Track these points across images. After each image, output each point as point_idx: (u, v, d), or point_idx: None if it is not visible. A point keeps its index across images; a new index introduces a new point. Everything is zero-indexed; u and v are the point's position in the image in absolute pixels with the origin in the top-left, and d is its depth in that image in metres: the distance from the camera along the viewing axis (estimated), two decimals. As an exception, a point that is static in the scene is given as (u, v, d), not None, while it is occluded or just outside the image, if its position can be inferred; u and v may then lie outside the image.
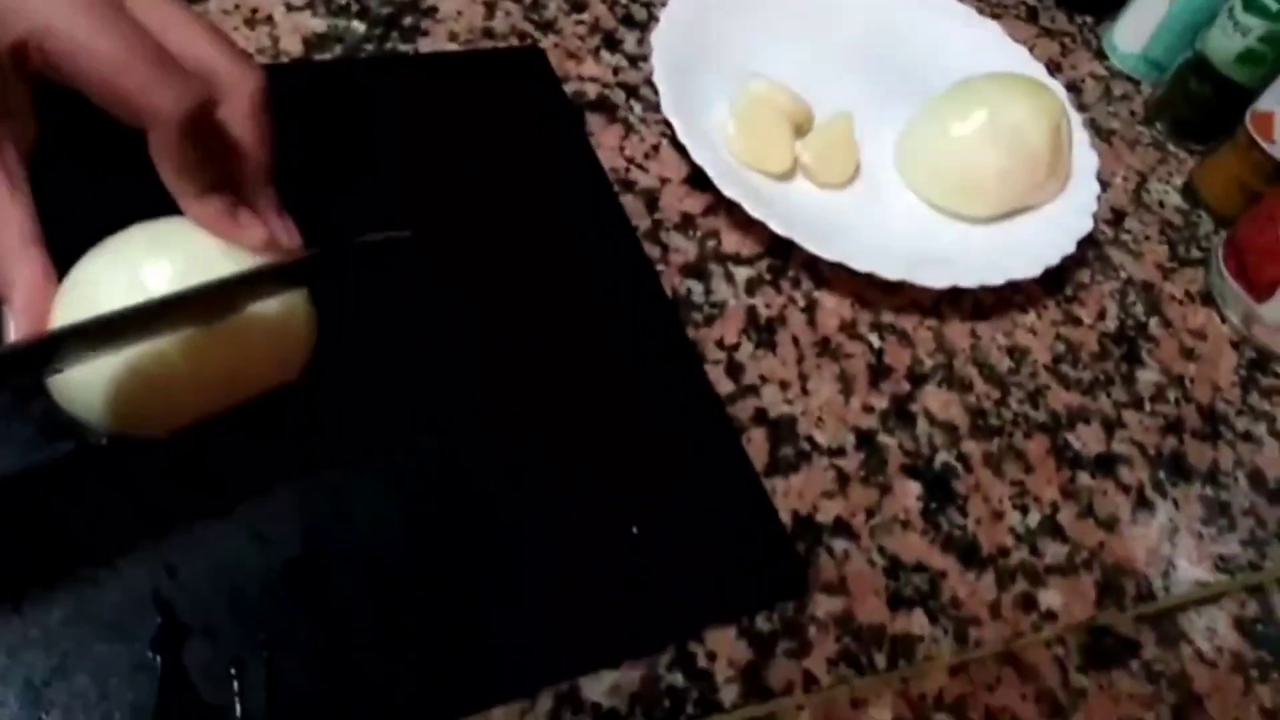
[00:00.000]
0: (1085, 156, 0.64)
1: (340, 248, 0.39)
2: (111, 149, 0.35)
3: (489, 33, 0.62)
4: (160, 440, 0.39)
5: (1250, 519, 0.53)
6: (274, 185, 0.40)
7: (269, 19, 0.58)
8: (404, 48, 0.59)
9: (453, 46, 0.61)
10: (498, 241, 0.51)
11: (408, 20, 0.61)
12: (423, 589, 0.39)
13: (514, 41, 0.62)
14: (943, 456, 0.51)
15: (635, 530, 0.43)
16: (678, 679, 0.40)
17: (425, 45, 0.60)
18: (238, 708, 0.35)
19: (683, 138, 0.56)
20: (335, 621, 0.38)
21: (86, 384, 0.36)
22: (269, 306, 0.38)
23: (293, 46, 0.57)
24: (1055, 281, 0.61)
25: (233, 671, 0.36)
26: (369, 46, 0.59)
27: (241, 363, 0.38)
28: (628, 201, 0.56)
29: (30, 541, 0.37)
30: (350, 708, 0.36)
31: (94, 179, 0.39)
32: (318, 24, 0.58)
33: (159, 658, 0.36)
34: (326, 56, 0.57)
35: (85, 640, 0.35)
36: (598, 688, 0.39)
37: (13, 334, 0.34)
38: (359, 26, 0.59)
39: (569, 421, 0.46)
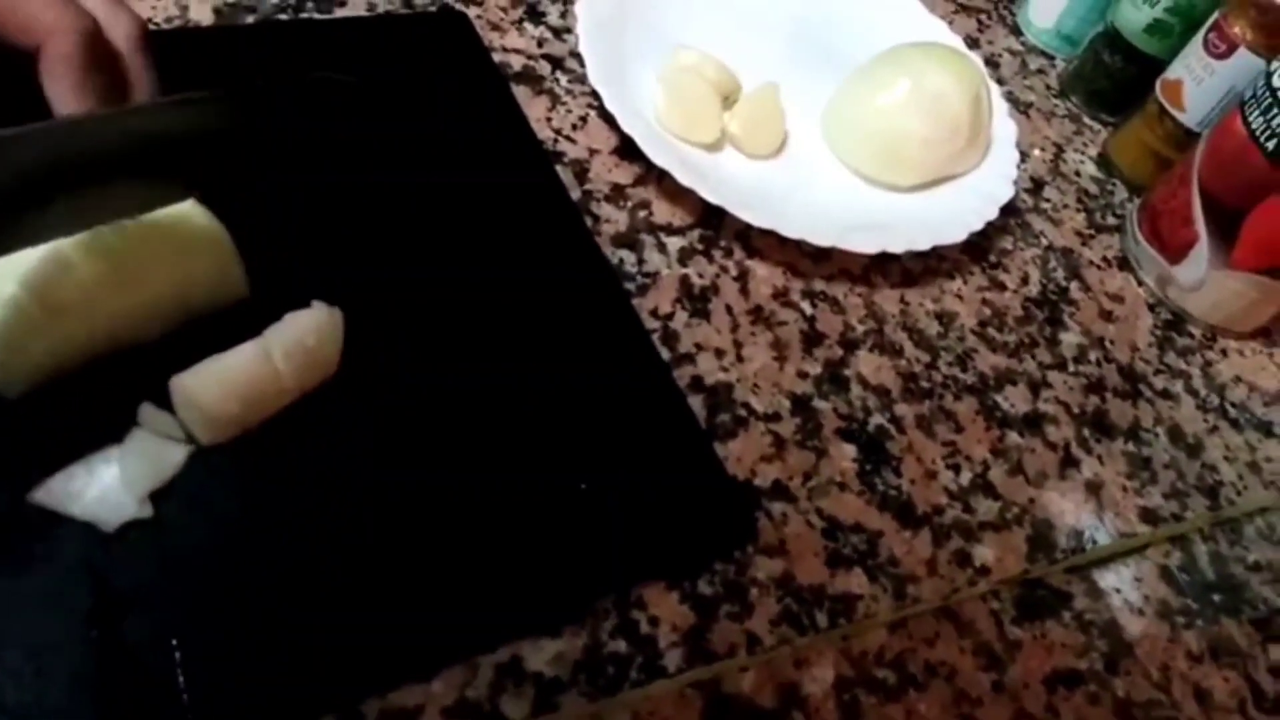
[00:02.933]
0: (1004, 126, 0.65)
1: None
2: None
3: (408, 4, 0.61)
4: (81, 396, 0.37)
5: (1171, 472, 0.55)
6: None
7: (177, -13, 0.56)
8: (320, 18, 0.58)
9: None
10: (434, 212, 0.50)
11: (324, -11, 0.59)
12: (365, 553, 0.38)
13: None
14: (876, 419, 0.51)
15: (584, 486, 0.43)
16: (620, 646, 0.40)
17: (342, 15, 0.58)
18: (180, 679, 0.34)
19: (610, 106, 0.55)
20: (274, 590, 0.36)
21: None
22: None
23: (203, 16, 0.55)
24: (979, 249, 0.62)
25: (174, 642, 0.34)
26: (283, 17, 0.57)
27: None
28: (557, 173, 0.55)
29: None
30: (289, 678, 0.35)
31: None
32: (229, -7, 0.56)
33: (95, 630, 0.34)
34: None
35: (14, 614, 0.34)
36: (540, 657, 0.38)
37: None
38: (272, -5, 0.57)
39: (513, 386, 0.45)
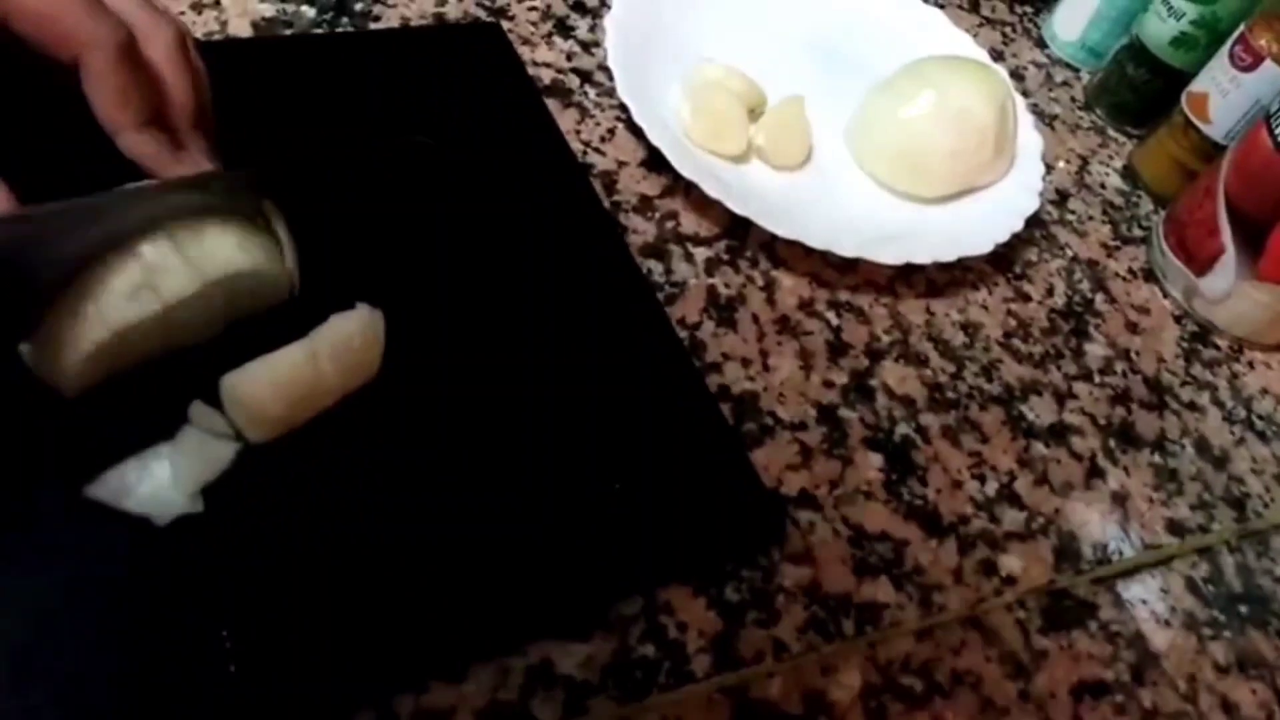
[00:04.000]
0: (1029, 138, 0.65)
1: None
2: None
3: (441, 19, 0.62)
4: (134, 394, 0.39)
5: (1198, 484, 0.55)
6: (206, 134, 0.41)
7: (217, 3, 0.57)
8: (355, 31, 0.59)
9: (404, 32, 0.60)
10: (470, 219, 0.51)
11: (359, 4, 0.60)
12: (401, 552, 0.39)
13: (466, 27, 0.62)
14: (902, 429, 0.51)
15: (617, 486, 0.43)
16: (649, 651, 0.40)
17: (375, 29, 0.59)
18: (231, 668, 0.35)
19: (639, 119, 0.56)
20: (315, 586, 0.37)
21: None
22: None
23: (242, 30, 0.56)
24: (1005, 260, 0.62)
25: (224, 633, 0.35)
26: (319, 31, 0.58)
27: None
28: (590, 183, 0.56)
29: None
30: (329, 672, 0.36)
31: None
32: (266, 8, 0.58)
33: (148, 621, 0.35)
34: (276, 41, 0.57)
35: (68, 604, 0.35)
36: (570, 661, 0.39)
37: None
38: (308, 11, 0.58)
39: (547, 389, 0.46)
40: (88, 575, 0.35)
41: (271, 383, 0.39)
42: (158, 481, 0.37)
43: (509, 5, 0.64)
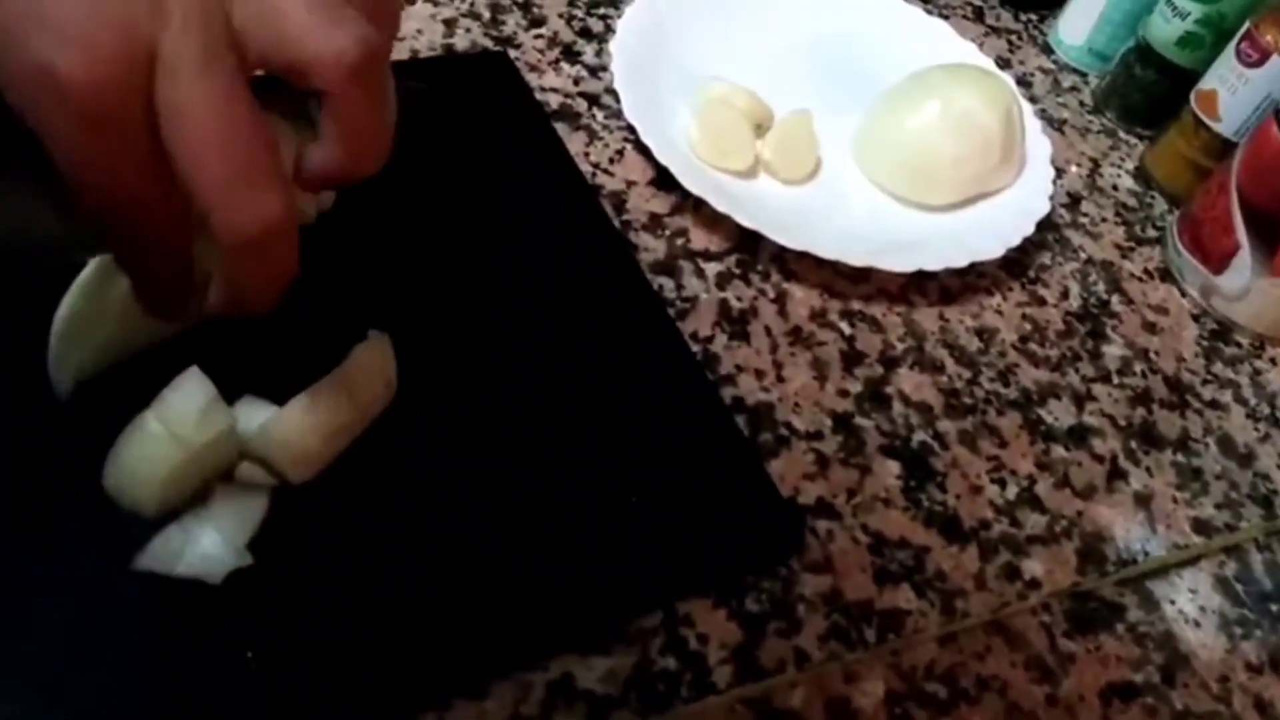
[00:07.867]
0: (1038, 143, 0.66)
1: None
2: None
3: (449, 50, 0.63)
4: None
5: (1223, 483, 0.54)
6: None
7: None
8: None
9: (414, 64, 0.61)
10: (485, 245, 0.52)
11: (368, 39, 0.61)
12: (423, 572, 0.39)
13: (474, 56, 0.63)
14: (919, 436, 0.51)
15: (634, 500, 0.43)
16: (670, 663, 0.40)
17: (386, 63, 0.61)
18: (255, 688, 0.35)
19: (646, 139, 0.57)
20: (338, 612, 0.38)
21: None
22: None
23: (254, 68, 0.57)
24: (1018, 265, 0.62)
25: (249, 654, 0.36)
26: (330, 66, 0.59)
27: None
28: (600, 203, 0.56)
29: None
30: (352, 694, 0.36)
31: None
32: (278, 46, 0.59)
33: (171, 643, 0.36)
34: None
35: (91, 632, 0.35)
36: (591, 675, 0.39)
37: None
38: (320, 47, 0.60)
39: (563, 408, 0.46)
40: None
41: (314, 423, 0.39)
42: (203, 543, 0.37)
43: (516, 34, 0.65)
